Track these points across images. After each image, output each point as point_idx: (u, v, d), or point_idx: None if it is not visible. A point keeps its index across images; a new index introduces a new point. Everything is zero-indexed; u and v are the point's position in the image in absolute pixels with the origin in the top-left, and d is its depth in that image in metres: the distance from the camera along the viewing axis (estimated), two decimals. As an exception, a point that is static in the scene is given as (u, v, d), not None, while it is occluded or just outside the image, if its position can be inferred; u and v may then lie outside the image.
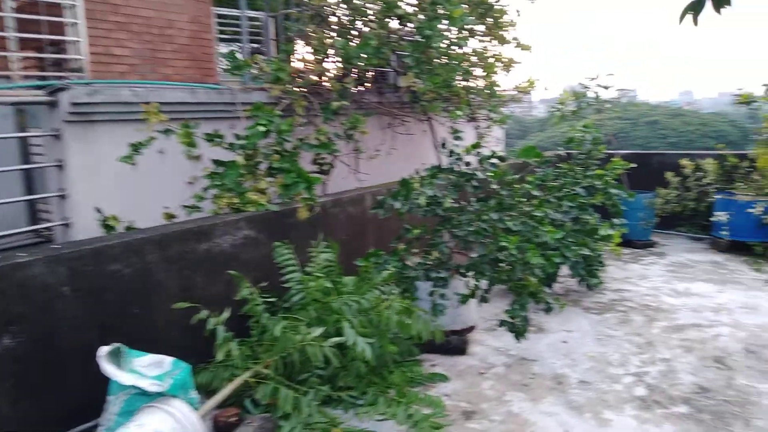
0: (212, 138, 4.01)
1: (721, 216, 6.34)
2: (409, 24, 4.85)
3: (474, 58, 6.41)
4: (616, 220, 4.07)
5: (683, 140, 55.63)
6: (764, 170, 6.32)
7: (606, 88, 6.58)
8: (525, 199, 3.74)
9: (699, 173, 7.08)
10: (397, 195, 3.57)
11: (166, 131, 3.96)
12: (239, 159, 3.91)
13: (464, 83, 6.21)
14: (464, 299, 3.49)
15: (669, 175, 7.20)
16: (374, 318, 3.26)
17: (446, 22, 4.36)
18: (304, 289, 3.46)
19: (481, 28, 6.59)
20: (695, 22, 1.87)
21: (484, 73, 6.18)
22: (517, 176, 3.65)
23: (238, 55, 4.87)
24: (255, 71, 5.05)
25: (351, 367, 3.22)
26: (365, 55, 4.61)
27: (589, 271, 4.56)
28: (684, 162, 7.12)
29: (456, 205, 3.51)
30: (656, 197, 7.07)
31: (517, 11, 6.38)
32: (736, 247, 6.44)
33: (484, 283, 3.64)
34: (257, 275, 3.68)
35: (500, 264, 3.41)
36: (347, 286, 3.54)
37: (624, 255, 6.68)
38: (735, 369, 3.63)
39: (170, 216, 4.07)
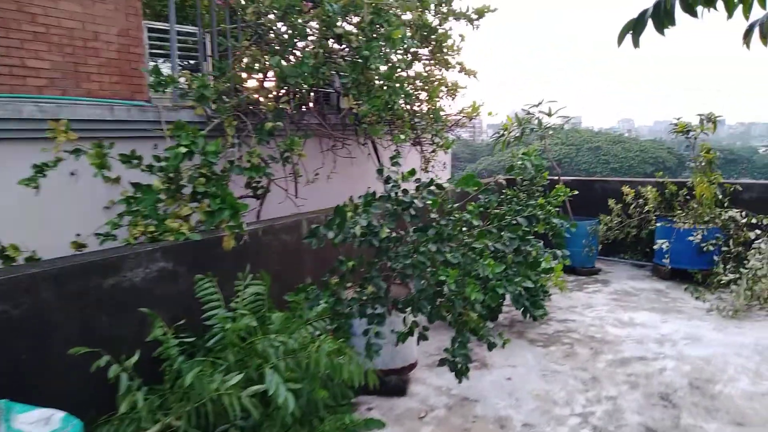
0: (128, 159, 3.64)
1: (662, 244, 6.38)
2: (349, 44, 4.65)
3: (418, 82, 6.30)
4: (558, 252, 3.94)
5: (624, 166, 58.19)
6: (702, 198, 6.43)
7: (549, 114, 6.58)
8: (466, 229, 3.54)
9: (640, 200, 7.15)
10: (331, 224, 3.30)
11: (75, 151, 3.57)
12: (157, 183, 3.55)
13: (408, 107, 6.07)
14: (402, 337, 3.23)
15: (611, 202, 7.25)
16: (303, 360, 2.96)
17: (384, 43, 4.17)
18: (223, 329, 3.11)
19: (425, 52, 6.50)
20: (636, 43, 1.71)
21: (429, 98, 6.05)
22: (457, 205, 3.45)
23: (165, 71, 4.53)
24: (185, 88, 4.72)
25: (275, 417, 2.89)
26: (302, 75, 4.36)
27: (533, 302, 4.41)
28: (625, 189, 7.18)
29: (393, 235, 3.27)
30: (599, 224, 7.09)
31: (461, 36, 6.28)
32: (678, 275, 6.49)
33: (423, 319, 3.40)
34: (175, 313, 3.32)
35: (440, 298, 3.18)
36: (274, 323, 3.22)
37: (569, 282, 6.62)
38: (681, 407, 3.51)
39: (80, 245, 3.65)
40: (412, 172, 3.20)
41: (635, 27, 1.69)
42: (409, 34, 5.46)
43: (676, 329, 4.95)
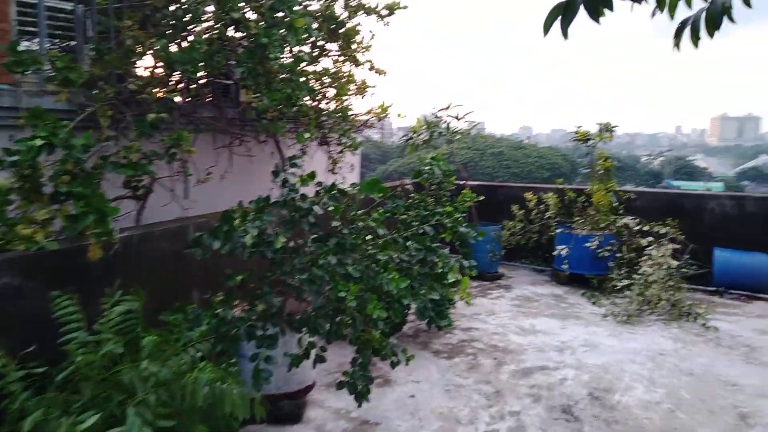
0: (-33, 152, 3.02)
1: (561, 250, 6.52)
2: (248, 31, 4.23)
3: (326, 79, 5.98)
4: (465, 262, 3.80)
5: (524, 171, 61.34)
6: (599, 206, 6.65)
7: (457, 118, 6.52)
8: (370, 238, 3.28)
9: (542, 206, 7.30)
10: (218, 232, 2.90)
11: None
12: (3, 181, 2.97)
13: (314, 104, 5.74)
14: (295, 362, 2.90)
15: (515, 208, 7.34)
16: (177, 392, 2.55)
17: (286, 31, 3.82)
18: (83, 356, 2.62)
19: (334, 47, 6.19)
20: (564, 33, 1.51)
21: (336, 95, 5.75)
22: (362, 212, 3.18)
23: (27, 49, 3.87)
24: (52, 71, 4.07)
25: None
26: (192, 62, 3.90)
27: (438, 313, 4.24)
28: (528, 195, 7.30)
29: (290, 245, 2.94)
30: (503, 229, 7.14)
31: (371, 32, 6.05)
32: (575, 280, 6.67)
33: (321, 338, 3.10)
34: (25, 338, 2.78)
35: (340, 316, 2.89)
36: (146, 348, 2.77)
37: (473, 288, 6.59)
38: (582, 420, 3.47)
39: None
40: (312, 175, 2.88)
41: (564, 13, 1.48)
42: (315, 25, 5.13)
43: (575, 336, 5.02)
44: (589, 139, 6.93)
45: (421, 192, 6.16)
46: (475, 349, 4.68)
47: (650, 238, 6.07)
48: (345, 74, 6.00)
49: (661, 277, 5.70)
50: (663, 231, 6.22)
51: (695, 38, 1.66)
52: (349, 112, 6.03)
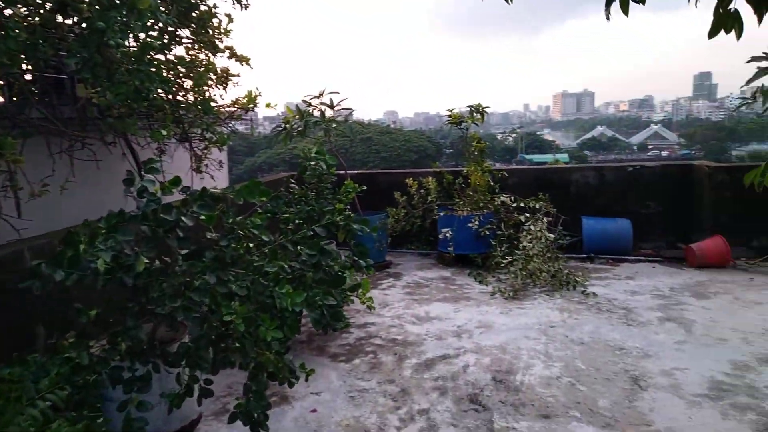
0: None
1: (445, 233, 6.53)
2: (80, 15, 3.54)
3: (181, 68, 5.35)
4: (362, 262, 3.54)
5: (393, 155, 62.85)
6: (477, 186, 6.75)
7: (331, 106, 6.21)
8: (254, 246, 2.88)
9: (422, 191, 7.28)
10: (61, 258, 2.34)
11: None
12: None
13: (170, 96, 5.10)
14: (176, 402, 2.45)
15: (397, 195, 7.24)
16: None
17: (127, 14, 3.23)
18: None
19: (187, 33, 5.56)
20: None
21: (194, 86, 5.16)
22: (240, 218, 2.77)
23: None
24: None
25: None
26: (8, 53, 3.17)
27: (334, 315, 3.95)
28: (409, 181, 7.23)
29: (156, 266, 2.45)
30: (387, 217, 7.01)
31: (228, 16, 5.50)
32: (461, 260, 6.74)
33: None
34: None
35: (227, 340, 2.48)
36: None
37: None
38: (491, 408, 3.39)
39: None
40: (176, 181, 2.42)
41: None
42: (162, 9, 4.51)
43: (470, 318, 5.01)
44: (462, 122, 7.00)
45: (301, 186, 5.79)
46: (374, 346, 4.47)
47: (527, 214, 6.27)
48: (202, 63, 5.41)
49: (540, 250, 5.92)
50: (537, 206, 6.47)
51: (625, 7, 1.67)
52: (212, 104, 5.47)
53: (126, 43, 3.46)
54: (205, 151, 6.00)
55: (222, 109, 5.90)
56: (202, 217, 2.48)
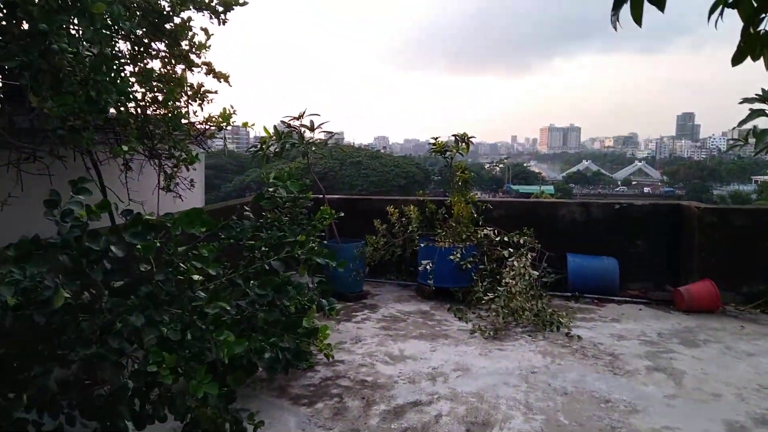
0: None
1: (426, 264, 6.23)
2: (30, 17, 3.24)
3: (154, 82, 5.05)
4: (324, 302, 3.20)
5: (382, 179, 62.97)
6: (460, 217, 6.48)
7: (311, 128, 5.94)
8: (200, 279, 2.54)
9: (404, 219, 6.99)
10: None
11: None
12: None
13: (137, 110, 4.80)
14: (90, 465, 2.08)
15: (377, 222, 6.95)
16: None
17: (78, 19, 2.94)
18: None
19: (162, 47, 5.29)
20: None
21: (164, 101, 4.86)
22: (183, 248, 2.43)
23: None
24: None
25: None
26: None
27: (296, 355, 3.60)
28: (390, 209, 6.95)
29: (79, 302, 2.11)
30: (366, 245, 6.70)
31: (205, 30, 5.24)
32: (440, 294, 6.42)
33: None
34: None
35: (156, 390, 2.13)
36: None
37: (336, 308, 6.04)
38: (464, 469, 3.05)
39: None
40: (104, 205, 2.09)
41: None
42: (127, 17, 4.23)
43: (446, 359, 4.67)
44: (446, 151, 6.76)
45: (274, 210, 5.49)
46: (341, 387, 4.11)
47: (510, 249, 5.99)
48: (174, 77, 5.13)
49: (523, 288, 5.63)
50: (521, 241, 6.20)
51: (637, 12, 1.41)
52: (183, 120, 5.17)
53: (78, 50, 3.16)
54: (175, 170, 5.67)
55: (196, 126, 5.60)
56: (138, 247, 2.14)
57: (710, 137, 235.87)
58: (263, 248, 4.01)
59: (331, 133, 6.08)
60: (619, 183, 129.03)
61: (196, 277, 2.44)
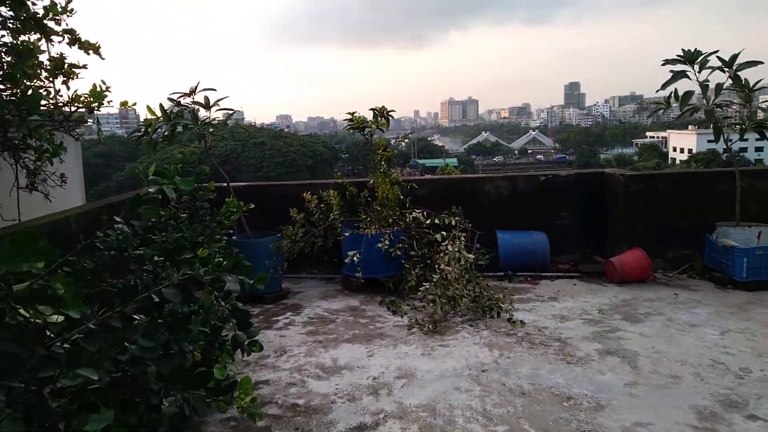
0: None
1: (352, 256, 5.61)
2: None
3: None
4: (243, 336, 2.46)
5: (288, 159, 61.36)
6: (385, 200, 5.90)
7: (207, 106, 5.04)
8: (60, 320, 1.75)
9: (323, 206, 6.31)
10: None
11: None
12: None
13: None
14: None
15: (293, 212, 6.21)
16: None
17: None
18: None
19: (5, 10, 4.18)
20: None
21: (7, 77, 3.82)
22: (23, 285, 1.62)
23: None
24: None
25: None
26: None
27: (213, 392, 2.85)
28: (307, 196, 6.23)
29: None
30: (282, 238, 5.95)
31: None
32: (370, 285, 5.84)
33: None
34: None
35: None
36: None
37: (252, 314, 5.29)
38: None
39: None
40: None
41: None
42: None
43: (386, 364, 4.11)
44: (365, 127, 6.12)
45: (169, 207, 4.61)
46: (269, 418, 3.43)
47: (443, 233, 5.51)
48: (23, 47, 4.06)
49: (459, 273, 5.18)
50: (452, 222, 5.74)
51: None
52: (42, 102, 4.15)
53: None
54: (39, 164, 4.61)
55: (59, 109, 4.54)
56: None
57: (595, 105, 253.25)
58: (156, 257, 3.20)
59: (230, 110, 5.22)
60: (516, 152, 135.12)
61: (54, 318, 1.66)
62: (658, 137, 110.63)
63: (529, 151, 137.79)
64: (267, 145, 61.90)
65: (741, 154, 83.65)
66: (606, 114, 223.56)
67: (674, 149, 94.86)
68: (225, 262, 2.25)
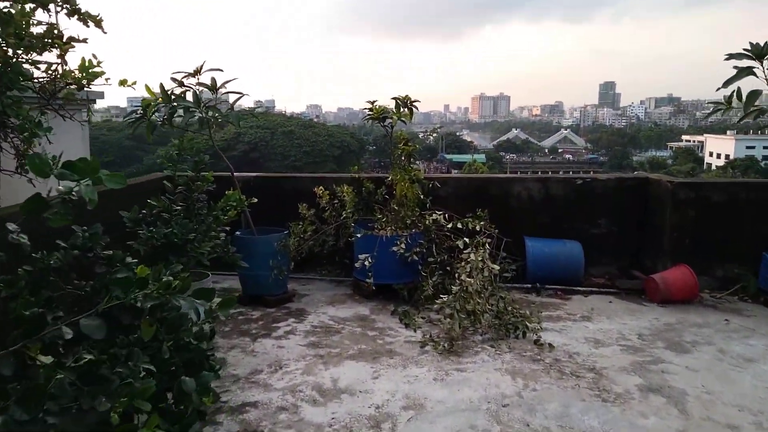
0: None
1: (364, 260, 5.10)
2: None
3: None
4: (190, 381, 1.97)
5: (316, 149, 61.21)
6: (403, 199, 5.38)
7: (213, 88, 4.56)
8: None
9: (336, 202, 5.81)
10: None
11: None
12: None
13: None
14: None
15: (302, 208, 5.73)
16: None
17: None
18: None
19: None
20: None
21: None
22: None
23: None
24: None
25: None
26: None
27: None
28: (318, 191, 5.74)
29: None
30: (290, 236, 5.48)
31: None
32: (382, 292, 5.33)
33: None
34: None
35: None
36: None
37: (251, 320, 4.86)
38: None
39: None
40: None
41: None
42: None
43: (393, 390, 3.61)
44: (385, 118, 5.59)
45: (162, 197, 4.22)
46: (251, 449, 2.96)
47: (465, 239, 4.95)
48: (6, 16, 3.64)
49: (481, 285, 4.63)
50: (477, 227, 5.19)
51: None
52: (31, 77, 3.75)
53: None
54: (25, 146, 4.21)
55: (50, 84, 4.13)
56: None
57: (630, 105, 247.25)
58: (129, 259, 2.75)
59: (239, 93, 4.74)
60: (546, 150, 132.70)
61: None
62: (694, 141, 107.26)
63: (560, 150, 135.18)
64: (296, 135, 61.80)
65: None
66: (641, 115, 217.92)
67: (710, 154, 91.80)
68: (176, 283, 1.76)
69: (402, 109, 5.53)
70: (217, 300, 1.90)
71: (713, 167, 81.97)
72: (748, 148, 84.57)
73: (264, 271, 5.09)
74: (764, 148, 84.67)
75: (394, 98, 5.62)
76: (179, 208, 4.13)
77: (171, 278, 1.77)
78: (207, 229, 3.95)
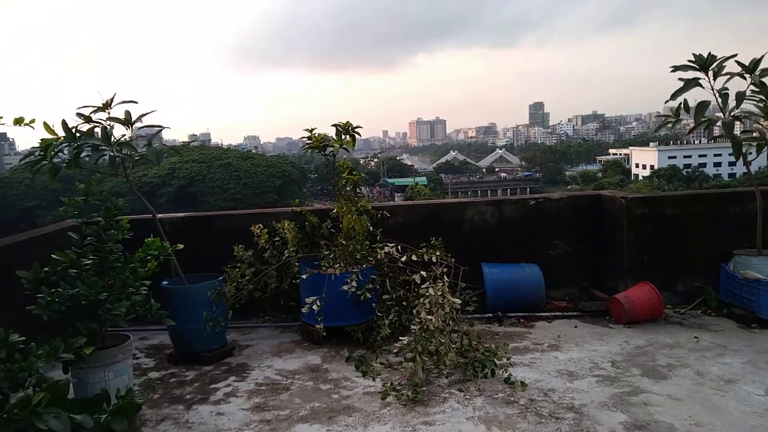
0: None
1: (312, 303, 4.59)
2: None
3: None
4: None
5: (255, 180, 60.00)
6: (351, 232, 4.94)
7: (127, 123, 4.01)
8: None
9: (277, 240, 5.30)
10: None
11: None
12: None
13: None
14: None
15: (238, 249, 5.17)
16: None
17: None
18: None
19: None
20: None
21: None
22: None
23: None
24: None
25: None
26: None
27: None
28: (255, 229, 5.21)
29: None
30: (225, 282, 4.91)
31: None
32: (334, 335, 4.83)
33: None
34: None
35: None
36: None
37: (186, 380, 4.24)
38: None
39: None
40: None
41: None
42: None
43: (355, 457, 3.11)
44: (327, 146, 5.16)
45: (67, 251, 3.61)
46: None
47: (422, 273, 4.56)
48: None
49: (443, 322, 4.23)
50: (433, 258, 4.81)
51: None
52: None
53: None
54: None
55: None
56: None
57: (559, 123, 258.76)
58: (15, 338, 2.16)
59: (159, 127, 4.20)
60: (484, 170, 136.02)
61: None
62: (620, 154, 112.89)
63: (497, 169, 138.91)
64: (234, 167, 60.37)
65: (700, 169, 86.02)
66: (570, 132, 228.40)
67: (636, 165, 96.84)
68: (41, 396, 1.25)
69: (344, 137, 5.13)
70: (114, 405, 1.37)
71: (640, 177, 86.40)
72: (670, 158, 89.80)
73: (197, 324, 4.49)
74: (684, 157, 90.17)
75: (334, 125, 5.22)
76: (90, 262, 3.52)
77: (30, 391, 1.24)
78: (123, 285, 3.35)
